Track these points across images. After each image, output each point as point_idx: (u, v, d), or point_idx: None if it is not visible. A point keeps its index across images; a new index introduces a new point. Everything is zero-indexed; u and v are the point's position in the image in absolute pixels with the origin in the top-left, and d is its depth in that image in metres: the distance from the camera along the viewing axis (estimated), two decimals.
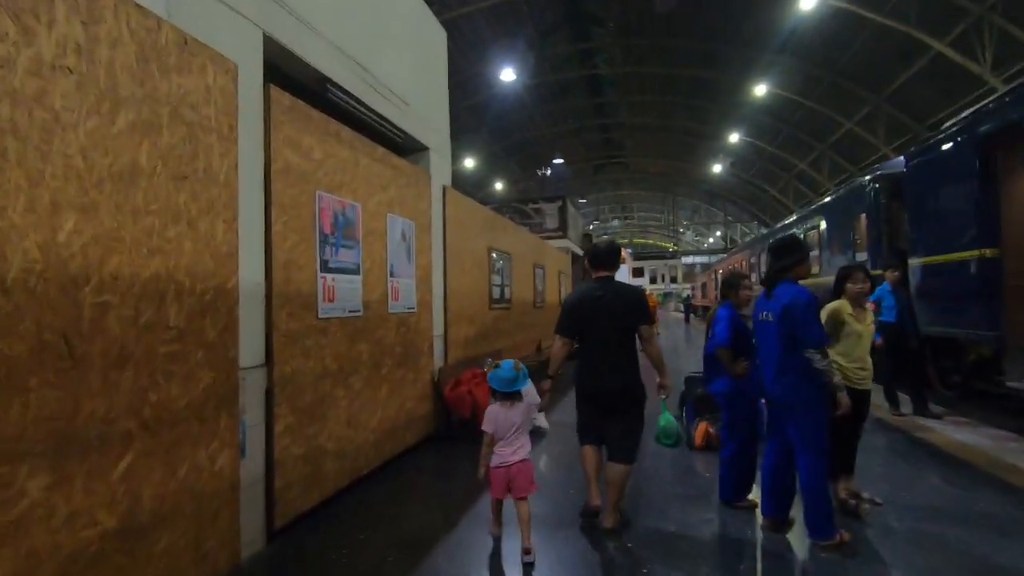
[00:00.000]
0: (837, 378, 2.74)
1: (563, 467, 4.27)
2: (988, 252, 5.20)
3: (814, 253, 9.68)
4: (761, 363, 2.96)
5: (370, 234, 4.11)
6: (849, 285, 3.30)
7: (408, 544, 3.00)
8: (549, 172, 29.25)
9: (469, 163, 27.57)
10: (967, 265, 5.46)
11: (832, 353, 3.05)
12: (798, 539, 2.91)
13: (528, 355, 8.86)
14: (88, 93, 1.98)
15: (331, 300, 3.57)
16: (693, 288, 36.64)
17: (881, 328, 5.37)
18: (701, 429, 4.62)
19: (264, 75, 3.09)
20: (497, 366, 2.95)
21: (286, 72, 3.55)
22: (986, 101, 5.66)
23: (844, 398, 2.75)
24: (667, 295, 47.04)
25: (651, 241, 61.47)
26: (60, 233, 1.86)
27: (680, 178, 40.90)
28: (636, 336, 3.08)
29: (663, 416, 3.23)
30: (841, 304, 3.27)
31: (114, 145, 2.08)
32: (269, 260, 3.02)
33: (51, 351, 1.81)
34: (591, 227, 39.55)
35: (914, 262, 6.45)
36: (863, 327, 3.25)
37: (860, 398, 3.15)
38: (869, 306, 3.60)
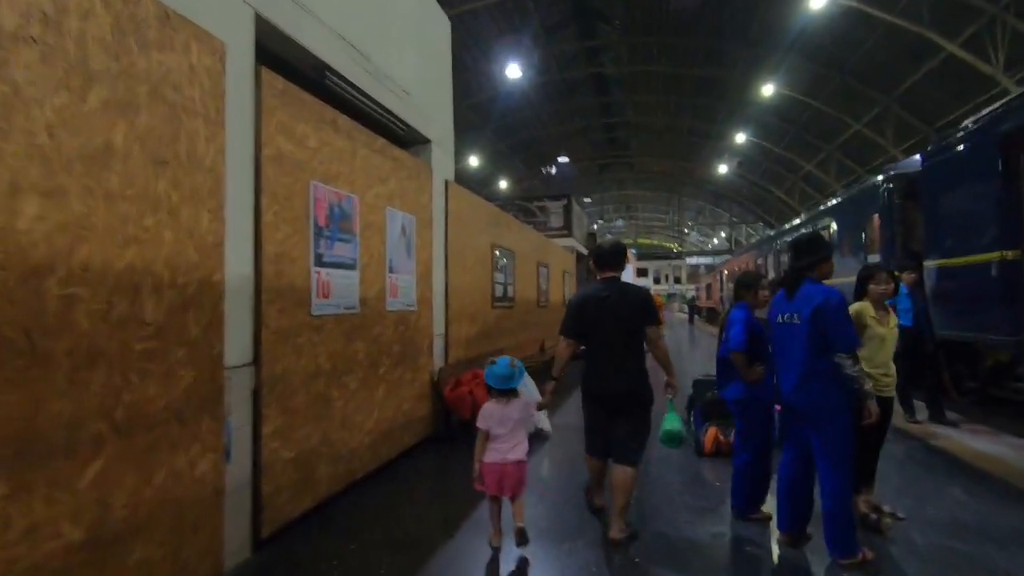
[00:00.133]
0: (868, 385, 2.56)
1: (566, 474, 4.10)
2: (1009, 254, 5.00)
3: None
4: (779, 368, 2.78)
5: (368, 228, 3.95)
6: (872, 286, 3.12)
7: (404, 553, 2.84)
8: (554, 171, 29.11)
9: (474, 161, 27.40)
10: (987, 267, 5.26)
11: None
12: (817, 556, 2.72)
13: (531, 355, 8.69)
14: (55, 66, 1.81)
15: (325, 296, 3.41)
16: (697, 289, 36.39)
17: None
18: (711, 434, 4.45)
19: (256, 57, 2.93)
20: (493, 363, 2.93)
21: (281, 56, 3.39)
22: (1008, 98, 5.47)
23: (874, 406, 2.57)
24: (671, 296, 46.77)
25: (655, 241, 61.22)
26: (21, 219, 1.69)
27: (685, 178, 40.63)
28: (642, 337, 3.01)
29: (667, 418, 3.13)
30: (863, 306, 3.09)
31: (85, 124, 1.91)
32: (259, 253, 2.86)
33: (9, 347, 1.65)
34: (595, 226, 39.28)
35: (929, 264, 6.25)
36: (886, 330, 3.07)
37: (883, 406, 2.96)
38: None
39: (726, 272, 23.31)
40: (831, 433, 2.54)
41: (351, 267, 3.71)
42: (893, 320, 3.14)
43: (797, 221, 13.80)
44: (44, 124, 1.77)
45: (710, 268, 36.43)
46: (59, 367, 1.80)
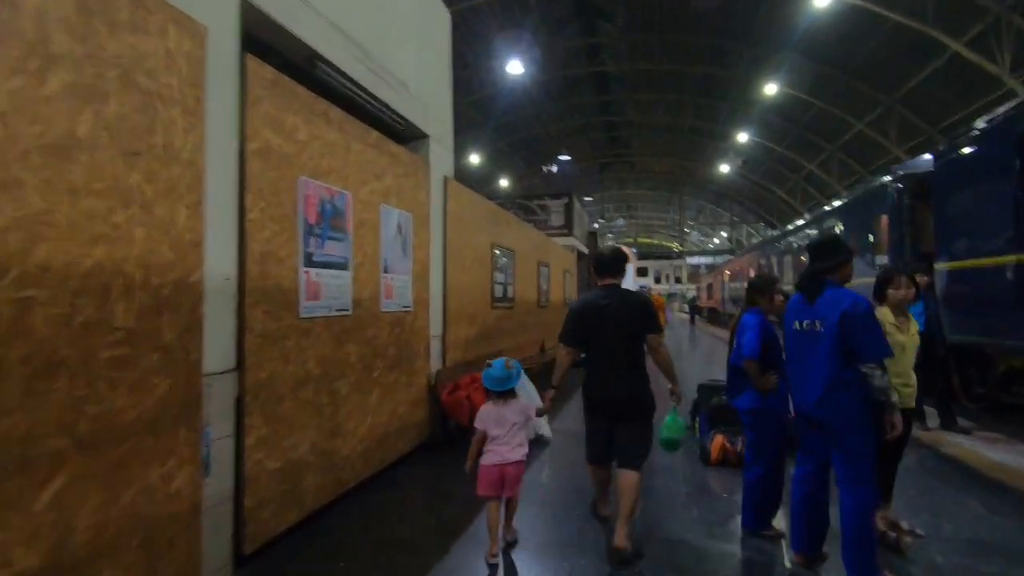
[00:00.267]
0: (895, 397, 2.39)
1: (567, 482, 3.93)
2: None
3: None
4: (796, 378, 2.61)
5: (361, 226, 3.78)
6: (891, 291, 2.95)
7: (396, 570, 2.68)
8: (555, 169, 28.91)
9: (475, 159, 27.20)
10: (1002, 270, 5.09)
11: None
12: None
13: (531, 356, 8.53)
14: (10, 46, 1.64)
15: (315, 297, 3.24)
16: (698, 289, 36.22)
17: None
18: (717, 442, 4.28)
19: (241, 44, 2.75)
20: (489, 365, 2.94)
21: (270, 45, 3.22)
22: None
23: (898, 420, 2.41)
24: (671, 295, 46.58)
25: (656, 241, 61.00)
26: None
27: (686, 178, 40.43)
28: (643, 344, 3.00)
29: (666, 423, 3.08)
30: (883, 312, 2.91)
31: (45, 111, 1.74)
32: (243, 252, 2.69)
33: None
34: (596, 226, 39.12)
35: (940, 266, 6.09)
36: (907, 338, 2.90)
37: (904, 418, 2.79)
38: None
39: (728, 272, 23.15)
40: (855, 447, 2.38)
41: (343, 267, 3.55)
42: (914, 327, 2.97)
43: (802, 222, 13.63)
44: None
45: (711, 268, 36.22)
46: (12, 377, 1.63)
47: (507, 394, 2.89)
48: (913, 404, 2.94)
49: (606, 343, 2.98)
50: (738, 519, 3.18)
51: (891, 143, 21.29)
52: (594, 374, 3.04)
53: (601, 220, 50.35)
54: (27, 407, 1.67)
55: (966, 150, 5.78)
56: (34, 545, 1.69)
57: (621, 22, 20.42)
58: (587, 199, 37.73)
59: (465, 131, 23.28)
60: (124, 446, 2.00)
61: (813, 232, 11.26)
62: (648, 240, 60.30)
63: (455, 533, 3.11)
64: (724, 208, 45.21)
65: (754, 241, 35.45)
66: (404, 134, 4.92)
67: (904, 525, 2.99)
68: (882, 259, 7.55)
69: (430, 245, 4.96)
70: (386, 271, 4.13)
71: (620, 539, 2.76)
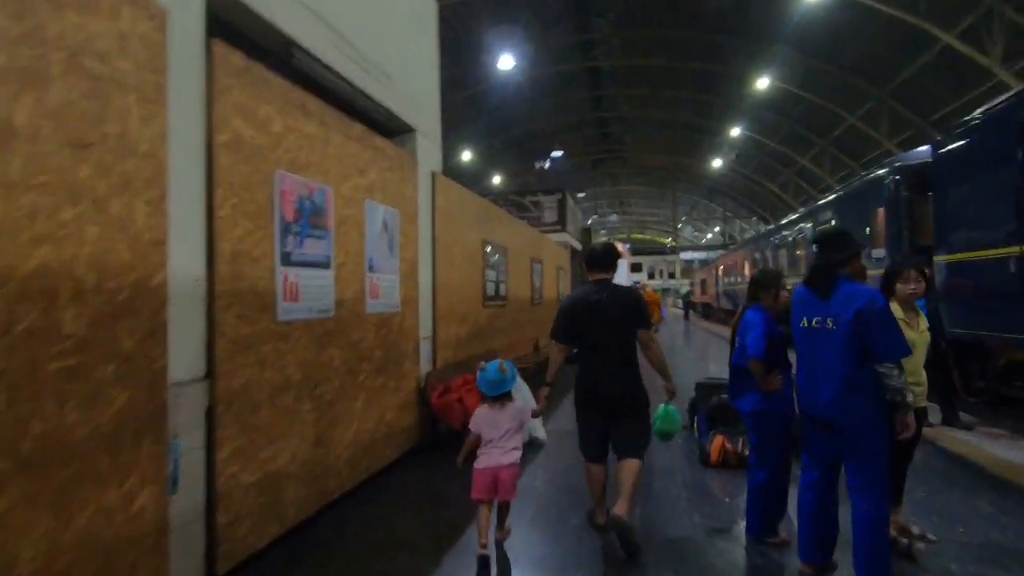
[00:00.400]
0: (911, 397, 2.26)
1: (563, 491, 3.77)
2: None
3: None
4: (805, 378, 2.46)
5: (344, 223, 3.60)
6: (900, 285, 2.81)
7: None
8: (548, 165, 28.72)
9: (467, 156, 26.96)
10: (1003, 263, 4.99)
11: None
12: None
13: (525, 355, 8.38)
14: None
15: (294, 299, 3.06)
16: (692, 284, 36.21)
17: None
18: (717, 443, 4.15)
19: (208, 29, 2.57)
20: (483, 368, 2.91)
21: (242, 31, 3.03)
22: None
23: (912, 420, 2.28)
24: (664, 291, 46.56)
25: (649, 236, 60.97)
26: None
27: (679, 173, 40.34)
28: (635, 340, 2.99)
29: (659, 414, 3.08)
30: (891, 308, 2.77)
31: None
32: (212, 251, 2.51)
33: None
34: (589, 222, 38.97)
35: (939, 259, 5.99)
36: (916, 334, 2.76)
37: (915, 418, 2.66)
38: None
39: (722, 267, 23.10)
40: (870, 451, 2.24)
41: (324, 266, 3.37)
42: (923, 323, 2.84)
43: (794, 216, 13.54)
44: None
45: (704, 263, 36.19)
46: None
47: (503, 398, 2.85)
48: (925, 403, 2.81)
49: (598, 339, 2.98)
50: (742, 525, 3.04)
51: (883, 136, 21.28)
52: (586, 370, 3.04)
53: (595, 216, 50.20)
54: None
55: (966, 140, 5.67)
56: None
57: (614, 17, 20.24)
58: (580, 195, 37.60)
59: (457, 128, 23.05)
60: (76, 465, 1.83)
61: (808, 226, 11.17)
62: (641, 236, 60.26)
63: (447, 542, 2.96)
64: (717, 203, 45.18)
65: (747, 236, 35.46)
66: (389, 127, 4.74)
67: (915, 530, 2.86)
68: (879, 253, 7.45)
69: (418, 242, 4.79)
70: (371, 270, 3.95)
71: (621, 508, 2.74)
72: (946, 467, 4.13)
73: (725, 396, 4.34)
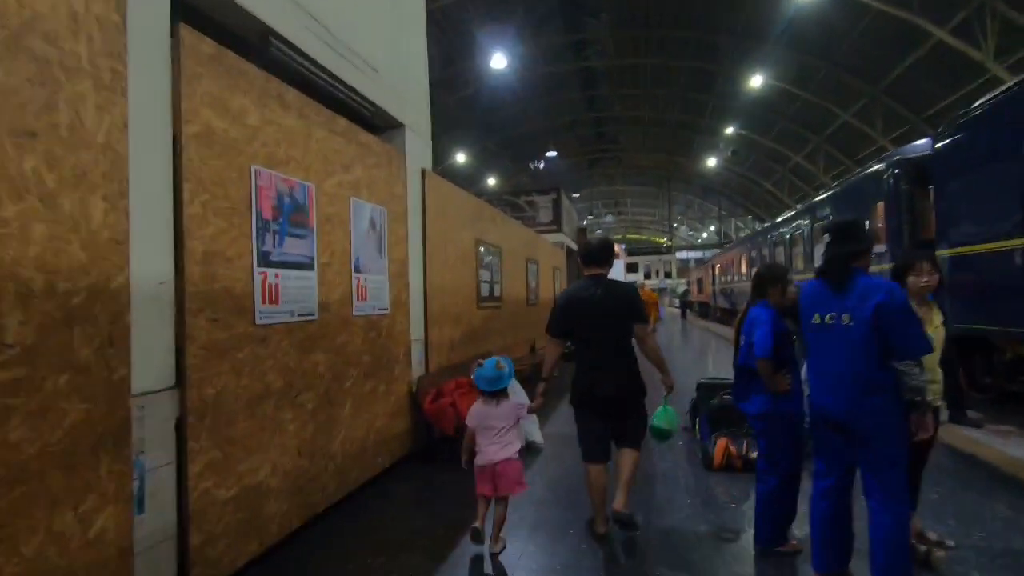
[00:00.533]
0: (931, 396, 2.11)
1: (562, 498, 3.61)
2: None
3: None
4: (818, 378, 2.30)
5: (328, 221, 3.43)
6: (912, 278, 2.66)
7: None
8: (542, 165, 28.61)
9: (461, 158, 26.79)
10: (1010, 255, 4.87)
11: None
12: None
13: (521, 356, 8.22)
14: None
15: (274, 301, 2.89)
16: (689, 283, 36.13)
17: None
18: (720, 446, 3.99)
19: (175, 12, 2.40)
20: (480, 365, 2.92)
21: (213, 18, 2.86)
22: None
23: (931, 422, 2.13)
24: (661, 291, 46.50)
25: (644, 236, 60.94)
26: None
27: (674, 172, 40.32)
28: (631, 334, 3.00)
29: (657, 413, 3.00)
30: None
31: None
32: (181, 251, 2.34)
33: None
34: (585, 222, 38.87)
35: (942, 253, 5.86)
36: (932, 330, 2.62)
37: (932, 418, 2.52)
38: None
39: (718, 266, 23.00)
40: (889, 455, 2.09)
41: (307, 267, 3.20)
42: (938, 317, 2.69)
43: (791, 213, 13.43)
44: None
45: (700, 262, 36.11)
46: None
47: (499, 394, 2.87)
48: (940, 402, 2.66)
49: (594, 334, 2.97)
50: (750, 532, 2.88)
51: (877, 133, 21.26)
52: (583, 368, 3.02)
53: (590, 216, 50.17)
54: None
55: (969, 131, 5.54)
56: None
57: (606, 17, 20.14)
58: (575, 195, 37.49)
59: (451, 130, 22.91)
60: (22, 488, 1.65)
61: (805, 223, 11.05)
62: (637, 235, 60.23)
63: (440, 556, 2.79)
64: (712, 202, 45.19)
65: (742, 234, 35.44)
66: (376, 123, 4.57)
67: (932, 536, 2.73)
68: (879, 248, 7.32)
69: (408, 242, 4.63)
70: (358, 270, 3.78)
71: (619, 503, 2.84)
72: (957, 467, 3.99)
73: (728, 396, 4.20)
